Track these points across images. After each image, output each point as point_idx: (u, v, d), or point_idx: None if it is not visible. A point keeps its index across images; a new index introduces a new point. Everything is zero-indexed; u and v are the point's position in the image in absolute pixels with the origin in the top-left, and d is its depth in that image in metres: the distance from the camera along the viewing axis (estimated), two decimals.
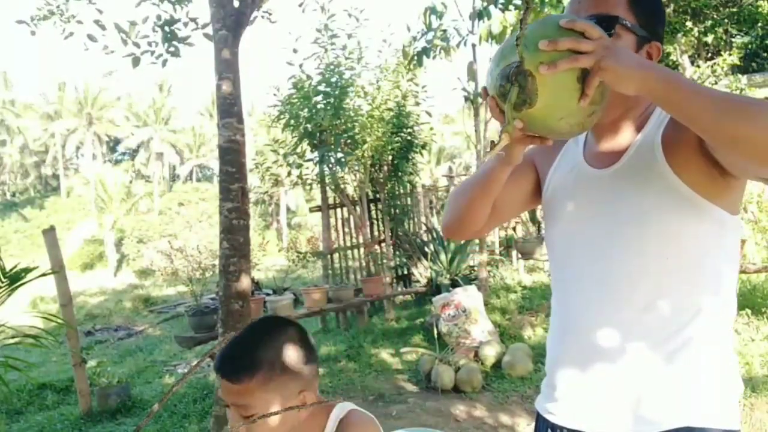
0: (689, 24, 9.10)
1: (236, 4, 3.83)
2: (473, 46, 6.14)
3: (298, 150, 7.61)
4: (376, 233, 8.17)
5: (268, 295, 7.81)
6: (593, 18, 0.94)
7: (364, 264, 7.89)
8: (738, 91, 9.23)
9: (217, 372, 1.12)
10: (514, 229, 8.76)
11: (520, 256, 7.66)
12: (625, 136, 1.04)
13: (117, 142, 48.32)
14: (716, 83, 9.34)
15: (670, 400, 0.96)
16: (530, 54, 0.81)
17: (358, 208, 7.88)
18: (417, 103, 8.04)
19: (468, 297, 5.26)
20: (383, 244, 7.98)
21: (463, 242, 7.32)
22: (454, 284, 6.72)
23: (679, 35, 9.16)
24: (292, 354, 1.12)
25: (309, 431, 1.15)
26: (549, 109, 0.84)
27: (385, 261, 7.82)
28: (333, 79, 7.23)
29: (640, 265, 0.97)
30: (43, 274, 3.42)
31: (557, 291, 1.13)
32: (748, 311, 4.98)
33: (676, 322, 0.95)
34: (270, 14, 5.53)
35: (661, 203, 0.95)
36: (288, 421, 1.12)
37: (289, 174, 7.89)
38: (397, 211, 8.22)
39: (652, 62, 0.87)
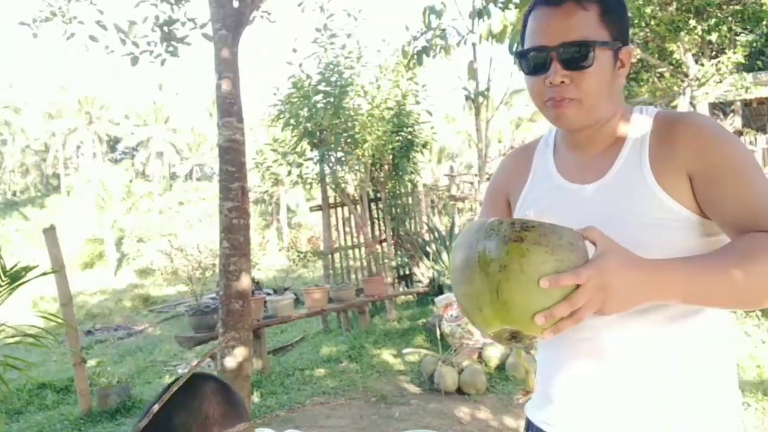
0: (693, 22, 9.06)
1: (236, 4, 3.81)
2: (473, 45, 6.11)
3: (298, 149, 7.60)
4: (377, 233, 8.15)
5: (268, 294, 7.79)
6: (566, 47, 0.91)
7: (365, 264, 7.87)
8: (743, 90, 9.20)
9: None
10: None
11: None
12: (603, 147, 1.00)
13: (117, 141, 48.35)
14: (721, 81, 9.32)
15: (672, 415, 0.93)
16: (524, 326, 0.75)
17: (358, 208, 7.86)
18: (417, 102, 8.02)
19: None
20: (384, 244, 7.96)
21: None
22: None
23: (683, 33, 9.12)
24: (210, 413, 1.01)
25: None
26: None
27: (386, 261, 7.80)
28: (333, 79, 7.21)
29: None
30: (44, 273, 3.40)
31: None
32: (758, 312, 4.94)
33: (678, 332, 0.93)
34: (269, 14, 5.51)
35: (657, 221, 0.91)
36: None
37: (290, 173, 7.88)
38: (399, 210, 8.20)
39: (648, 273, 0.78)
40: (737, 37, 9.96)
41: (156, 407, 0.66)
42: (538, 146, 1.13)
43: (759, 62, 10.30)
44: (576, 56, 0.91)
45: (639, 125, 0.98)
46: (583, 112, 0.94)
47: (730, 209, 0.88)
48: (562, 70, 0.91)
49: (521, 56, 0.97)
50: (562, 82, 0.91)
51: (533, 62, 0.95)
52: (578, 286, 0.74)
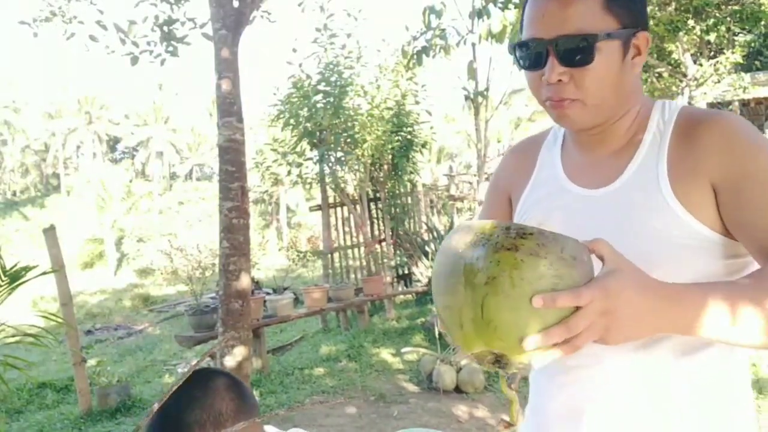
0: (691, 22, 9.08)
1: (236, 3, 3.82)
2: (473, 45, 6.12)
3: (298, 149, 7.61)
4: (376, 232, 8.17)
5: (268, 294, 7.81)
6: (563, 40, 0.79)
7: (364, 263, 7.89)
8: (741, 90, 9.23)
9: None
10: None
11: None
12: (615, 148, 0.88)
13: (117, 141, 48.35)
14: (719, 81, 9.34)
15: None
16: (510, 349, 0.64)
17: (358, 207, 7.87)
18: (417, 102, 8.04)
19: None
20: (384, 243, 7.97)
21: None
22: None
23: (681, 34, 9.14)
24: (222, 409, 1.01)
25: None
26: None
27: (385, 260, 7.82)
28: (332, 79, 7.22)
29: None
30: (44, 273, 3.41)
31: None
32: None
33: (691, 362, 0.82)
34: (269, 14, 5.53)
35: (672, 238, 0.80)
36: None
37: (289, 173, 7.89)
38: (398, 210, 8.21)
39: (664, 300, 0.66)
40: (735, 38, 9.98)
41: (156, 406, 0.67)
42: (546, 139, 1.01)
43: (757, 62, 10.32)
44: (574, 51, 0.78)
45: (659, 123, 0.86)
46: (587, 112, 0.82)
47: (763, 231, 0.75)
48: (559, 66, 0.79)
49: (517, 49, 0.85)
50: (560, 80, 0.80)
51: (528, 56, 0.83)
52: (578, 308, 0.61)
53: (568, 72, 0.80)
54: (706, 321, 0.67)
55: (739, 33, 10.05)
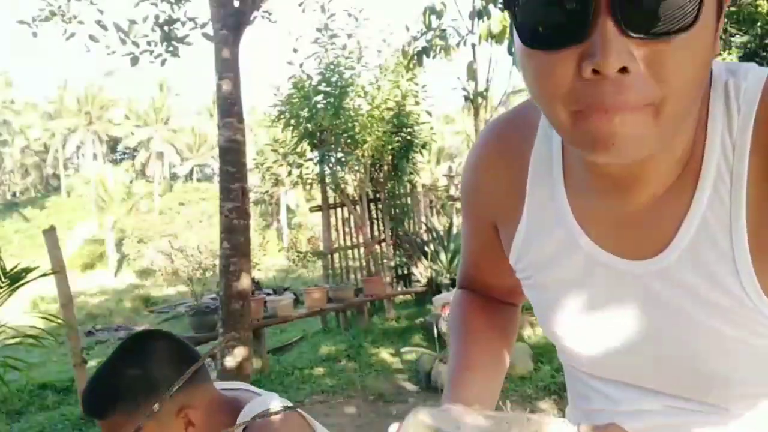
0: None
1: (236, 4, 3.83)
2: (473, 45, 6.13)
3: (299, 150, 7.63)
4: (376, 233, 8.17)
5: (268, 294, 7.82)
6: None
7: (364, 264, 7.89)
8: None
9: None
10: None
11: None
12: (659, 188, 0.53)
13: (117, 141, 48.37)
14: None
15: None
16: None
17: (358, 208, 7.88)
18: (417, 103, 8.05)
19: None
20: (383, 244, 7.98)
21: None
22: (455, 284, 6.71)
23: None
24: (160, 374, 0.99)
25: None
26: None
27: (385, 261, 7.82)
28: (333, 79, 7.24)
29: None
30: (44, 274, 3.42)
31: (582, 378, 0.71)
32: None
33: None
34: (270, 14, 5.55)
35: (748, 348, 0.54)
36: None
37: (290, 174, 7.91)
38: (397, 210, 8.22)
39: None
40: (732, 39, 10.00)
41: (156, 407, 0.66)
42: (535, 143, 0.62)
43: (753, 63, 10.36)
44: (663, 5, 0.39)
45: (724, 133, 0.50)
46: (659, 130, 0.43)
47: None
48: (623, 38, 0.40)
49: (521, 8, 0.44)
50: (625, 68, 0.40)
51: (550, 18, 0.42)
52: None
53: (643, 50, 0.41)
54: None
55: (735, 34, 10.06)
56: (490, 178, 0.67)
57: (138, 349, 1.03)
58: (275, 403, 1.03)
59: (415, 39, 6.13)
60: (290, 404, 1.08)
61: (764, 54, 10.36)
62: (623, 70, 0.40)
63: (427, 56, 5.96)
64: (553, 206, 0.60)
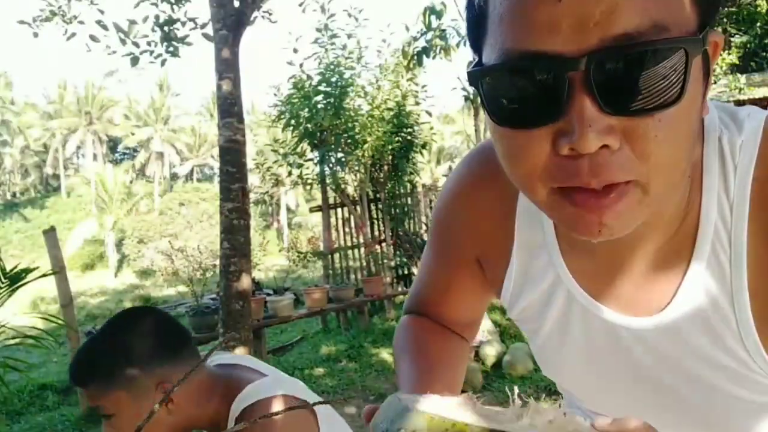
0: None
1: (236, 4, 3.83)
2: None
3: (299, 150, 7.63)
4: (376, 233, 8.17)
5: (268, 295, 7.81)
6: (613, 52, 0.37)
7: (364, 264, 7.89)
8: (737, 91, 9.28)
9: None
10: None
11: None
12: (653, 248, 0.52)
13: (117, 141, 48.38)
14: (715, 83, 9.37)
15: None
16: None
17: (358, 208, 7.88)
18: (417, 103, 8.05)
19: None
20: (384, 244, 7.98)
21: None
22: None
23: None
24: (140, 348, 1.02)
25: (204, 419, 1.04)
26: None
27: (385, 261, 7.82)
28: (333, 79, 7.24)
29: None
30: (44, 275, 3.41)
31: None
32: None
33: None
34: (270, 14, 5.54)
35: (753, 405, 0.54)
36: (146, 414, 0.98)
37: (290, 174, 7.91)
38: (398, 210, 8.22)
39: None
40: (732, 39, 10.01)
41: (156, 407, 0.66)
42: (519, 203, 0.59)
43: (753, 63, 10.33)
44: (645, 78, 0.37)
45: (720, 189, 0.48)
46: (645, 207, 0.42)
47: None
48: (602, 115, 0.38)
49: (487, 80, 0.42)
50: (605, 146, 0.38)
51: (521, 95, 0.40)
52: None
53: (622, 126, 0.38)
54: None
55: (735, 34, 10.07)
56: (476, 210, 0.63)
57: (122, 323, 1.06)
58: (274, 388, 1.01)
59: (415, 39, 6.14)
60: (304, 385, 1.07)
61: (764, 54, 10.37)
62: (604, 148, 0.38)
63: (427, 56, 5.97)
64: (545, 255, 0.58)
